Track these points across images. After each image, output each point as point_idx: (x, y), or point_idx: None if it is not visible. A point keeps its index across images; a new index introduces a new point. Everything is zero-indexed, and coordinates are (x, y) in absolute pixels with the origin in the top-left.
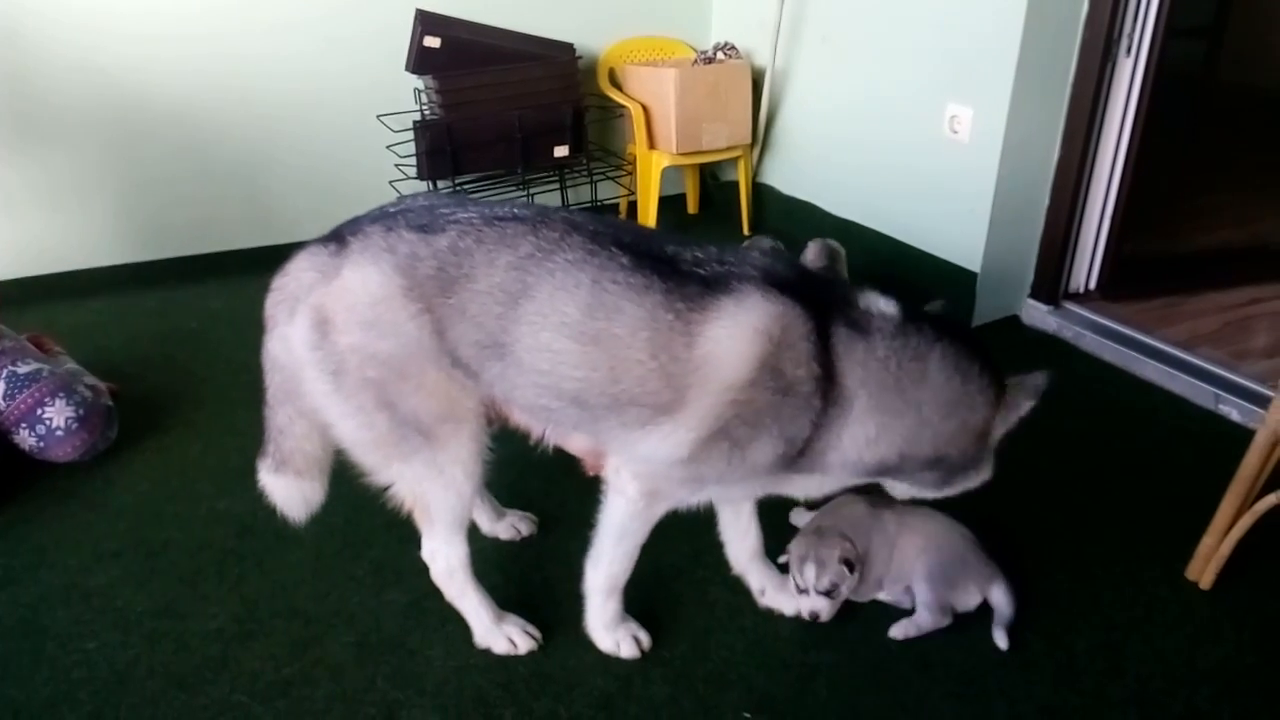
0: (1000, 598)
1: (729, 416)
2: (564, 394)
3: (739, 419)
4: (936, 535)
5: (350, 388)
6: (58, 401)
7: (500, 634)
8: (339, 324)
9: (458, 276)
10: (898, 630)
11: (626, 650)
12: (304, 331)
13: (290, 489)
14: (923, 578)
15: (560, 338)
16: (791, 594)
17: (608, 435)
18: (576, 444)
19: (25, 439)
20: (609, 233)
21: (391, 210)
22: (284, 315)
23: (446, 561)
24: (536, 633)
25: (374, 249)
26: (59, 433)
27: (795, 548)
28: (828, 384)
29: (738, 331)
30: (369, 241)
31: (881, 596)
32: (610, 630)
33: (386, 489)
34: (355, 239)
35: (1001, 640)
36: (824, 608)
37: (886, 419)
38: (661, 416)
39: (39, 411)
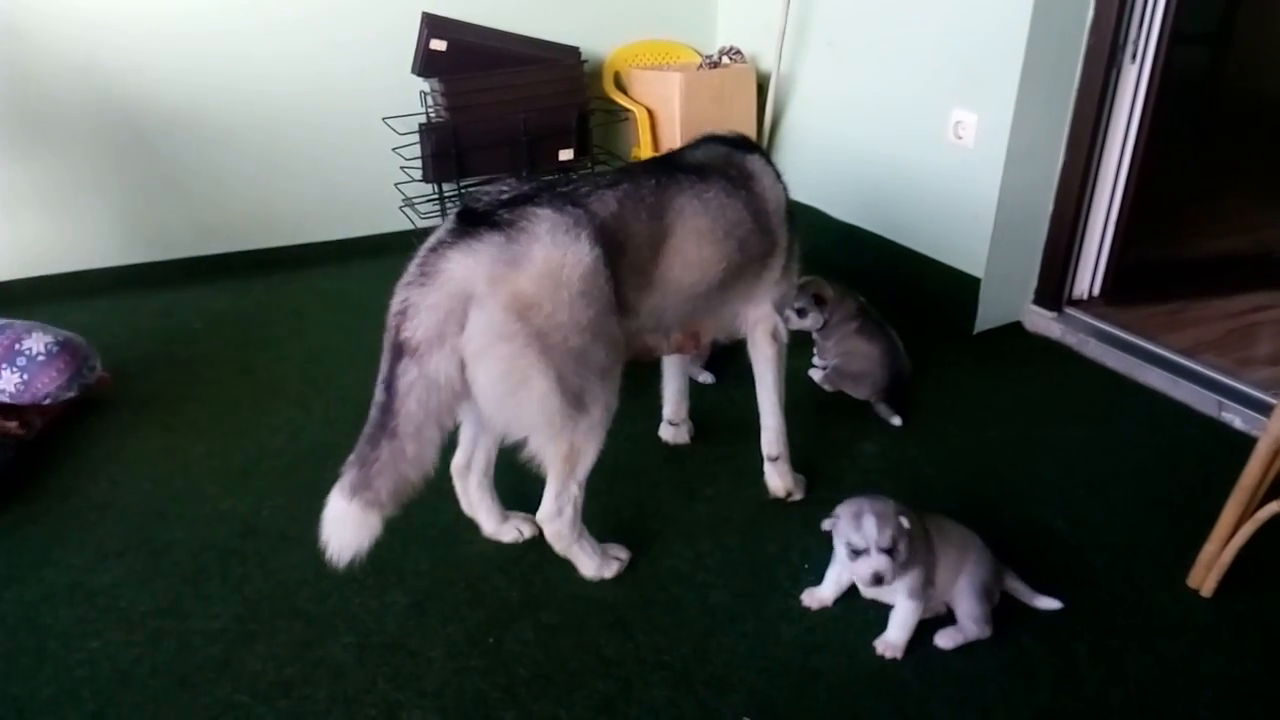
0: (1016, 584)
1: (790, 228)
2: (713, 286)
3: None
4: (970, 550)
5: (554, 361)
6: (34, 334)
7: (609, 560)
8: (546, 304)
9: (624, 238)
10: (946, 641)
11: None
12: (496, 325)
13: (367, 521)
14: (969, 595)
15: (704, 246)
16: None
17: (734, 301)
18: (686, 337)
19: (9, 380)
20: (666, 168)
21: (517, 194)
22: (453, 329)
23: (575, 507)
24: (625, 552)
25: (564, 226)
26: (40, 358)
27: (845, 508)
28: None
29: (771, 176)
30: (555, 221)
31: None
32: (789, 471)
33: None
34: (530, 223)
35: (1051, 603)
36: (887, 567)
37: None
38: (768, 258)
39: (16, 347)
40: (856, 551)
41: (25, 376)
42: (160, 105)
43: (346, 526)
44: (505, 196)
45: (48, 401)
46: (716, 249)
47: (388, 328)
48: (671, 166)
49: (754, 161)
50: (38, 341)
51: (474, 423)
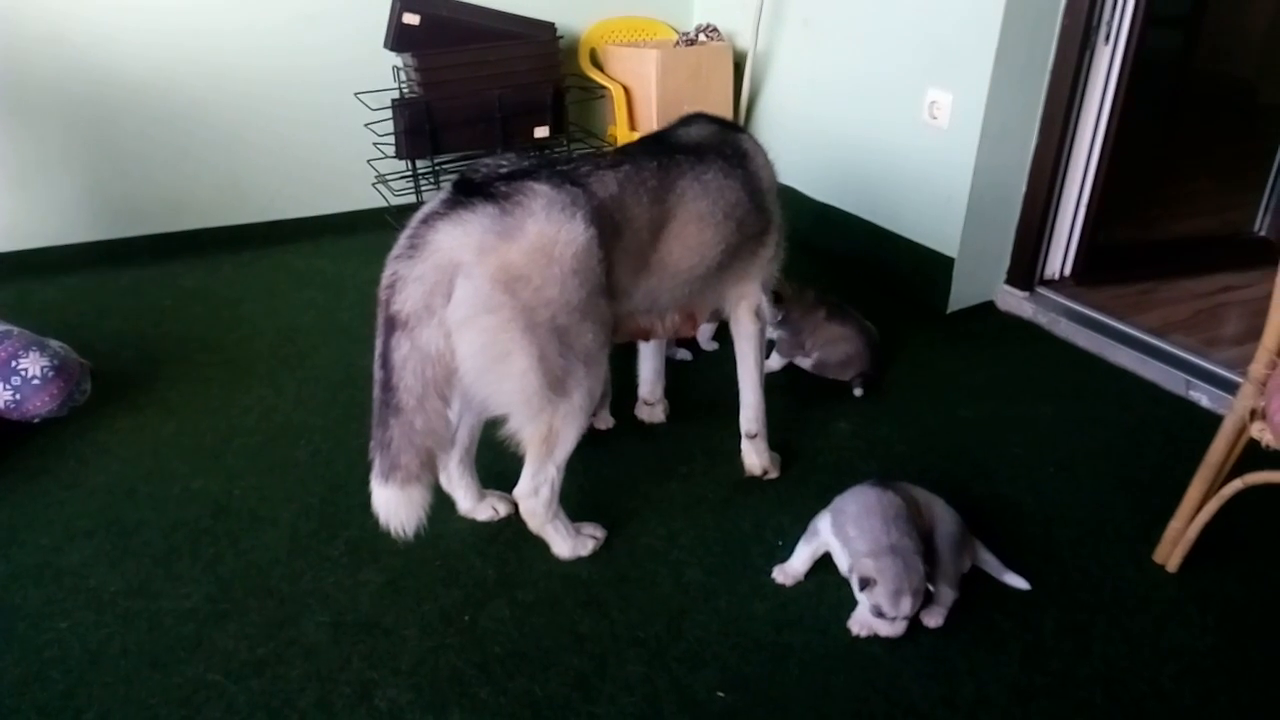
0: (986, 556)
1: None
2: (711, 268)
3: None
4: (939, 512)
5: (538, 338)
6: (31, 353)
7: (584, 539)
8: (535, 279)
9: (621, 221)
10: (934, 620)
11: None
12: (482, 296)
13: (411, 496)
14: (941, 555)
15: (706, 229)
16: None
17: (729, 281)
18: (682, 318)
19: (0, 395)
20: (664, 147)
21: (516, 168)
22: (440, 300)
23: (552, 488)
24: (601, 531)
25: (561, 203)
26: (35, 381)
27: (884, 581)
28: None
29: (764, 156)
30: (552, 197)
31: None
32: (766, 449)
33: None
34: (526, 197)
35: (1020, 582)
36: (903, 629)
37: None
38: (763, 237)
39: (13, 364)
40: (882, 615)
41: (18, 397)
42: (127, 79)
43: (397, 507)
44: (504, 170)
45: (36, 421)
46: (716, 231)
47: (379, 302)
48: (670, 147)
49: (746, 140)
50: (34, 363)
51: (460, 397)
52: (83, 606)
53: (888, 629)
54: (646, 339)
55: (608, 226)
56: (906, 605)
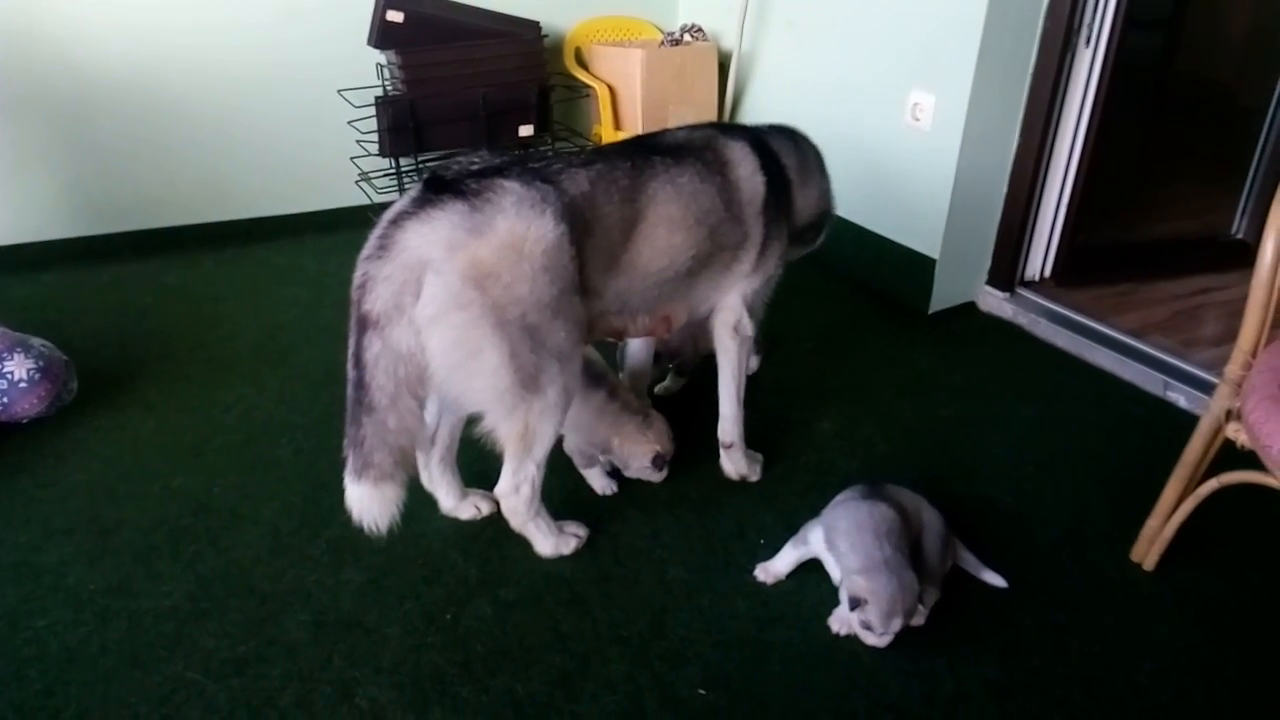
0: (965, 554)
1: (767, 222)
2: (680, 272)
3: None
4: (927, 517)
5: (509, 335)
6: (16, 355)
7: (566, 538)
8: (505, 276)
9: (592, 219)
10: (917, 619)
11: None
12: (452, 292)
13: (384, 494)
14: (929, 558)
15: (675, 233)
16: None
17: (702, 289)
18: (655, 321)
19: None
20: (642, 150)
21: (487, 166)
22: (410, 299)
23: (533, 486)
24: (583, 529)
25: (530, 200)
26: (22, 385)
27: (875, 601)
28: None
29: (751, 167)
30: (521, 194)
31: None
32: (743, 457)
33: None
34: (496, 194)
35: (998, 580)
36: (889, 641)
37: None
38: (739, 251)
39: None
40: (869, 629)
41: (5, 400)
42: (108, 74)
43: (369, 504)
44: (475, 168)
45: (24, 421)
46: (686, 236)
47: (351, 302)
48: (648, 148)
49: (734, 148)
50: (20, 366)
51: (436, 396)
52: (61, 605)
53: (875, 640)
54: (620, 339)
55: (579, 224)
56: (898, 624)
